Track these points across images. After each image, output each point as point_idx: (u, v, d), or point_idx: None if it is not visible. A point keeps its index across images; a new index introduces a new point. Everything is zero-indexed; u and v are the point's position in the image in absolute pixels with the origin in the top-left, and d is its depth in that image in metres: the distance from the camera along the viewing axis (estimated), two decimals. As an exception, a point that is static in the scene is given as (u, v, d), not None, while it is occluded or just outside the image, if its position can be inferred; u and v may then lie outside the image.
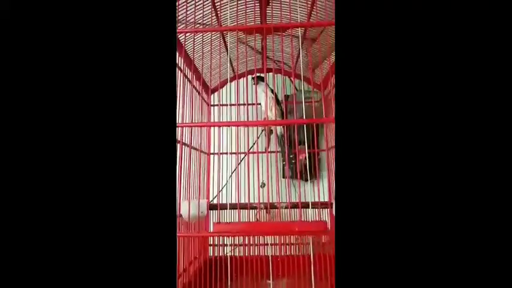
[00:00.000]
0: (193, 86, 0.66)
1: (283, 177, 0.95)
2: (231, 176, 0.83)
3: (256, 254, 0.64)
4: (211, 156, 0.85)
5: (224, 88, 0.83)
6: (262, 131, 0.89)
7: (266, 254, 0.66)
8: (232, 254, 0.63)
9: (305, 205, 0.56)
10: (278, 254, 0.67)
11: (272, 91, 0.84)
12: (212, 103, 0.88)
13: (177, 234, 0.42)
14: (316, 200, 0.54)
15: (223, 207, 0.63)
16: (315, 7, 0.59)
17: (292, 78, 0.89)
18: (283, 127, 0.81)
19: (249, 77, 0.83)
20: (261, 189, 0.68)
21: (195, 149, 0.68)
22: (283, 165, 0.95)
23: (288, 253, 0.69)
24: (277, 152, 0.87)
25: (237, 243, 0.66)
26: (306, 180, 0.93)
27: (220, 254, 0.65)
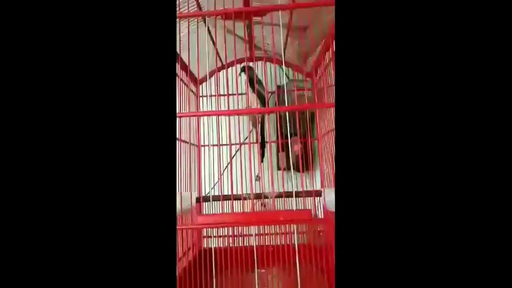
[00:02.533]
0: (180, 78, 0.65)
1: (278, 169, 0.95)
2: (225, 168, 0.83)
3: (246, 244, 0.64)
4: (202, 148, 0.84)
5: (212, 78, 0.82)
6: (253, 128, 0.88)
7: (250, 244, 0.65)
8: (222, 245, 0.63)
9: (292, 194, 0.55)
10: (269, 244, 0.67)
11: (253, 84, 0.82)
12: (201, 94, 0.87)
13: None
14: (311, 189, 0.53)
15: (214, 199, 0.63)
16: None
17: (282, 67, 0.87)
18: (276, 117, 0.80)
19: (238, 66, 0.82)
20: (255, 182, 0.68)
21: (185, 141, 0.68)
22: (278, 156, 0.94)
23: (278, 243, 0.69)
24: (272, 142, 0.86)
25: (225, 234, 0.66)
26: (302, 171, 0.93)
27: (211, 246, 0.65)
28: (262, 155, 0.86)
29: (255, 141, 0.85)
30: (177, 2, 0.56)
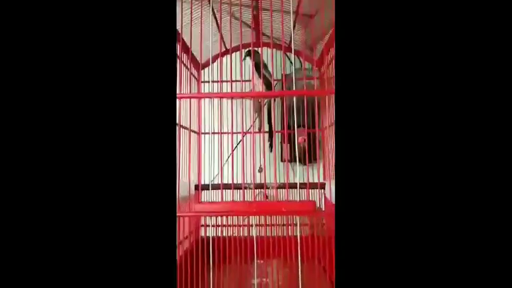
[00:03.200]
0: (181, 61, 0.62)
1: (282, 161, 0.92)
2: (227, 159, 0.81)
3: (246, 235, 0.62)
4: (202, 136, 0.82)
5: (215, 63, 0.79)
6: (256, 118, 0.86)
7: (251, 235, 0.64)
8: (221, 235, 0.61)
9: (296, 186, 0.53)
10: (270, 235, 0.65)
11: (259, 69, 0.79)
12: (203, 79, 0.85)
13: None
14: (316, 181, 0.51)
15: (214, 187, 0.61)
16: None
17: (288, 54, 0.84)
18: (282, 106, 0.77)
19: (243, 51, 0.79)
20: (257, 173, 0.66)
21: (185, 127, 0.65)
22: (281, 147, 0.92)
23: (280, 234, 0.67)
24: (277, 132, 0.83)
25: (225, 223, 0.64)
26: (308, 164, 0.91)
27: (209, 235, 0.64)
28: (271, 145, 0.84)
29: (257, 130, 0.83)
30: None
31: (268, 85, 0.80)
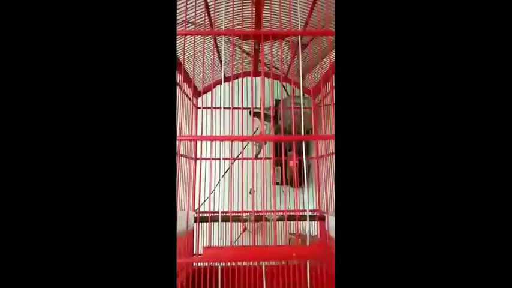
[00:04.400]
0: (183, 91, 0.62)
1: (274, 183, 0.93)
2: (218, 183, 0.80)
3: (250, 264, 0.61)
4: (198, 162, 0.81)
5: (214, 90, 0.79)
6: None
7: (260, 263, 0.63)
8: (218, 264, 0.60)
9: (298, 218, 0.54)
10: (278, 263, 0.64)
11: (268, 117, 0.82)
12: (200, 106, 0.84)
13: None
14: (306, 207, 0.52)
15: (213, 219, 0.60)
16: (314, 10, 0.57)
17: (284, 84, 0.86)
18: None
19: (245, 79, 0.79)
20: (250, 198, 0.66)
21: (184, 156, 0.64)
22: (278, 171, 0.93)
23: (283, 262, 0.67)
24: (267, 158, 0.84)
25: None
26: (297, 186, 0.92)
27: (203, 264, 0.62)
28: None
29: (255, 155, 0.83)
30: (184, 15, 0.54)
31: (267, 117, 0.82)
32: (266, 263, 0.46)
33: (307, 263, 0.42)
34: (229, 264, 0.58)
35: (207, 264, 0.63)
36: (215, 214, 0.70)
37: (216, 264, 0.61)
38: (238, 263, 0.58)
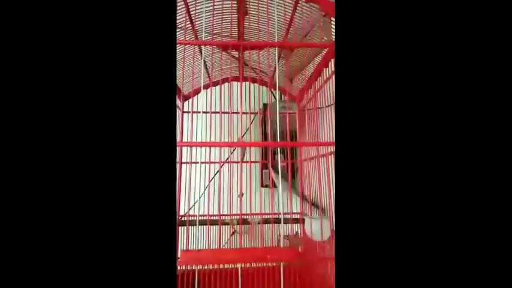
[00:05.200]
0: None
1: (262, 186, 0.95)
2: (206, 187, 0.81)
3: (227, 267, 0.63)
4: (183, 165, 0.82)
5: (200, 94, 0.80)
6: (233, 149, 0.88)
7: (235, 266, 0.64)
8: (196, 267, 0.61)
9: (279, 220, 0.55)
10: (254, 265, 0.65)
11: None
12: (186, 110, 0.86)
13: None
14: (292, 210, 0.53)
15: (192, 223, 0.61)
16: (292, 22, 0.58)
17: (272, 89, 0.88)
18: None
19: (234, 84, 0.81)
20: (236, 200, 0.67)
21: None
22: (265, 174, 0.95)
23: (259, 265, 0.68)
24: (255, 162, 0.85)
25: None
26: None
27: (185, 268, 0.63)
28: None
29: (239, 159, 0.85)
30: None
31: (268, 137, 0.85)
32: (241, 266, 0.48)
33: (281, 265, 0.44)
34: (205, 267, 0.59)
35: (184, 268, 0.65)
36: (201, 218, 0.71)
37: (193, 267, 0.62)
38: (215, 266, 0.59)
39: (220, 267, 0.62)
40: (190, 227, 0.59)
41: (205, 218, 0.58)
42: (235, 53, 0.78)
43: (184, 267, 0.60)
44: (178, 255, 0.40)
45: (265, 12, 0.54)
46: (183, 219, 0.68)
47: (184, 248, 0.45)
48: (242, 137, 0.90)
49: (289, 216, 0.52)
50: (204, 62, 0.71)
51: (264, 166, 0.95)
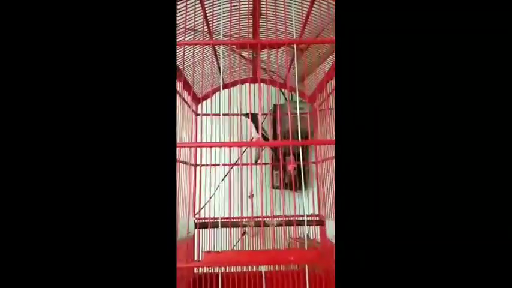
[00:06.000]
0: (183, 98, 0.63)
1: (273, 188, 0.94)
2: (217, 188, 0.81)
3: (249, 270, 0.62)
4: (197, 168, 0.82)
5: (213, 97, 0.80)
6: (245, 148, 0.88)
7: (259, 269, 0.63)
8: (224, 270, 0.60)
9: (299, 222, 0.55)
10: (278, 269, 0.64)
11: (257, 127, 0.84)
12: (200, 112, 0.86)
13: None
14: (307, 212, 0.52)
15: (212, 226, 0.61)
16: (309, 20, 0.58)
17: (282, 90, 0.87)
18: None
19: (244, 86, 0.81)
20: (250, 202, 0.66)
21: (184, 162, 0.65)
22: (276, 175, 0.94)
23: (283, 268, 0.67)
24: (265, 164, 0.85)
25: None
26: (296, 190, 0.93)
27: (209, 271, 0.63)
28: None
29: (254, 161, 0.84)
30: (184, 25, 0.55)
31: (265, 139, 0.85)
32: (265, 269, 0.47)
33: (306, 269, 0.43)
34: (228, 270, 0.59)
35: (207, 270, 0.64)
36: (215, 220, 0.71)
37: (217, 270, 0.62)
38: (239, 269, 0.59)
39: (244, 270, 0.61)
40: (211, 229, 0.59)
41: (224, 220, 0.58)
42: (245, 54, 0.78)
43: (206, 270, 0.60)
44: (200, 258, 0.40)
45: (283, 10, 0.54)
46: (205, 221, 0.68)
47: (206, 250, 0.44)
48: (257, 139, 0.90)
49: (311, 218, 0.52)
50: (218, 63, 0.71)
51: (275, 167, 0.94)
